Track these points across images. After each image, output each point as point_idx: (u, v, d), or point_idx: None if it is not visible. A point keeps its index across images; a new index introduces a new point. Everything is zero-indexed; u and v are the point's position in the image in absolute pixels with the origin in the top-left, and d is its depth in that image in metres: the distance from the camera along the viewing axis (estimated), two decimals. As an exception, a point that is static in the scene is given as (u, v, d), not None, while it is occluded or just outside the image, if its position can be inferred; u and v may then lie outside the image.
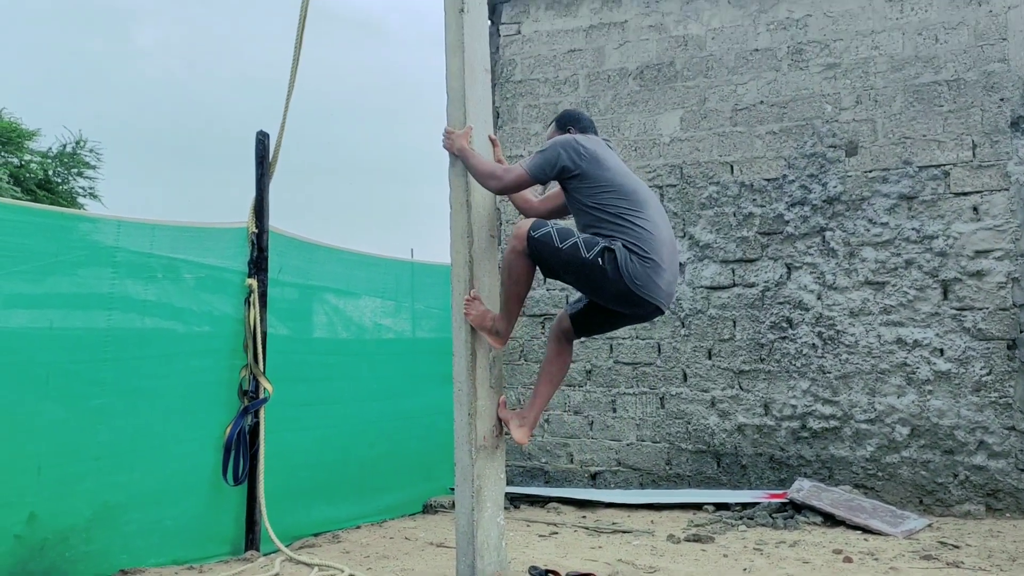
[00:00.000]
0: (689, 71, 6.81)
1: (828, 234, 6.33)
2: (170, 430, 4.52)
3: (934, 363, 6.00)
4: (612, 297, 3.37)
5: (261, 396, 4.77)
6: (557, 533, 5.36)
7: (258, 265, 4.89)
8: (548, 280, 7.01)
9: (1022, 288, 5.84)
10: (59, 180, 11.72)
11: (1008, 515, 5.75)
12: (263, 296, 4.88)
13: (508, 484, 6.03)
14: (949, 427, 5.93)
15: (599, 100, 7.04)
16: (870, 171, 6.25)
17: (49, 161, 11.56)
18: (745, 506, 5.87)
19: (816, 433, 6.26)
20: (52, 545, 3.97)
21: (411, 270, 6.48)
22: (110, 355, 4.26)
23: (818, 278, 6.34)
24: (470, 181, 3.59)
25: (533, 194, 3.95)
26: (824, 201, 6.35)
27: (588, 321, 3.64)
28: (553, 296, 7.12)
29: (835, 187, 6.32)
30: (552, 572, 3.96)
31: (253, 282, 4.84)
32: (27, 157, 11.36)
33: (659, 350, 6.77)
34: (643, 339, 6.81)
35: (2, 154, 11.06)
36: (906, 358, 6.06)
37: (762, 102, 6.58)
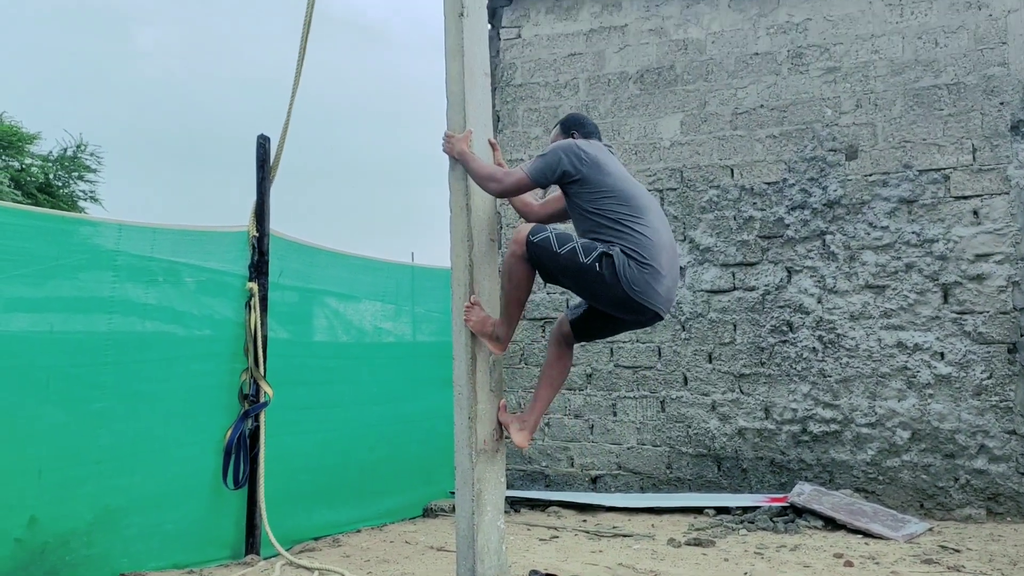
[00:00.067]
0: (689, 75, 6.82)
1: (828, 238, 6.33)
2: (171, 434, 4.52)
3: (935, 367, 5.99)
4: (610, 302, 3.37)
5: (261, 400, 4.77)
6: (557, 537, 5.35)
7: (259, 269, 4.89)
8: (548, 284, 7.01)
9: (1022, 292, 5.84)
10: (60, 184, 11.75)
11: (1009, 519, 5.74)
12: (264, 300, 4.88)
13: (508, 488, 6.03)
14: (950, 431, 5.93)
15: (599, 104, 7.04)
16: (870, 175, 6.26)
17: (50, 165, 11.58)
18: (746, 510, 5.87)
19: (817, 437, 6.26)
20: (52, 549, 3.97)
21: (411, 274, 6.49)
22: (111, 359, 4.26)
23: (818, 282, 6.34)
24: (470, 185, 3.59)
25: (534, 198, 3.95)
26: (824, 205, 6.35)
27: (588, 326, 3.64)
28: (554, 300, 7.12)
29: (835, 191, 6.33)
30: (552, 576, 3.95)
31: (254, 286, 4.84)
32: (28, 161, 11.38)
33: (660, 354, 6.77)
34: (643, 343, 6.81)
35: (3, 158, 11.07)
36: (907, 362, 6.06)
37: (762, 106, 6.59)
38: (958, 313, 5.97)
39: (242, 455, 4.71)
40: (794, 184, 6.45)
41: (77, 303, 4.25)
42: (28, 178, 11.12)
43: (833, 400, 6.24)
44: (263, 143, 4.94)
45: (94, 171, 12.06)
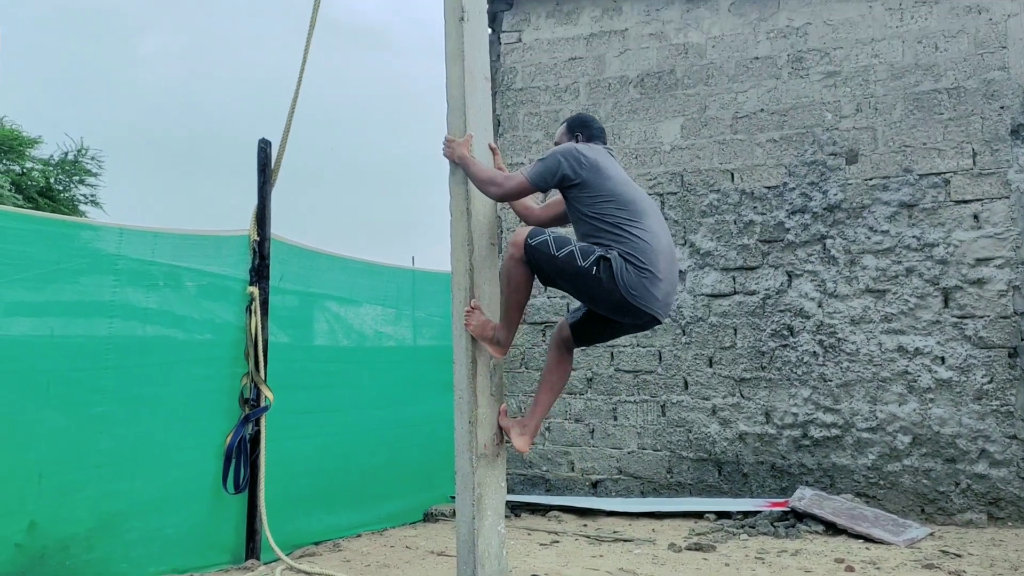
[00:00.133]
0: (690, 79, 6.83)
1: (829, 242, 6.33)
2: (171, 438, 4.52)
3: (935, 371, 5.99)
4: (608, 306, 3.38)
5: (262, 404, 4.76)
6: (558, 542, 5.34)
7: (259, 273, 4.89)
8: (549, 288, 7.01)
9: (1023, 296, 5.84)
10: (61, 188, 11.75)
11: (1010, 524, 5.73)
12: (264, 304, 4.88)
13: (509, 492, 6.01)
14: (951, 435, 5.92)
15: (600, 108, 7.05)
16: (870, 179, 6.26)
17: (51, 169, 11.58)
18: (746, 515, 5.86)
19: (817, 441, 6.25)
20: (52, 553, 3.96)
21: (412, 278, 6.49)
22: (111, 363, 4.26)
23: (819, 286, 6.34)
24: (470, 189, 3.59)
25: (534, 201, 3.95)
26: (825, 209, 6.36)
27: (588, 329, 3.64)
28: (554, 304, 7.12)
29: (836, 195, 6.33)
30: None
31: (254, 290, 4.84)
32: (29, 165, 11.39)
33: (660, 358, 6.76)
34: (644, 347, 6.81)
35: (4, 162, 11.08)
36: (907, 366, 6.06)
37: (762, 110, 6.59)
38: (959, 317, 5.97)
39: (242, 459, 4.71)
40: (794, 188, 6.45)
41: (78, 307, 4.25)
42: (29, 182, 11.12)
43: (834, 404, 6.23)
44: (264, 148, 4.94)
45: (95, 175, 12.06)
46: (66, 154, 11.81)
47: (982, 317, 5.91)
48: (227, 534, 4.78)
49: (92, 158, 11.99)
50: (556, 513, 6.23)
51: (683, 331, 6.70)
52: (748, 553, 4.93)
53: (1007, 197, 5.91)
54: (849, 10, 6.41)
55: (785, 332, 6.41)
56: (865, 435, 6.13)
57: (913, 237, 6.11)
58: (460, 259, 3.62)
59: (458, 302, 3.61)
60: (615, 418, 6.86)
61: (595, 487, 6.88)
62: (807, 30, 6.52)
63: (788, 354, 6.39)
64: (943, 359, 5.98)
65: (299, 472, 5.24)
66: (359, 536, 5.60)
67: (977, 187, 5.99)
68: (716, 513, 5.99)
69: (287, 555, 4.71)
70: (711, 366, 6.61)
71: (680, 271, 6.70)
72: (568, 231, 3.61)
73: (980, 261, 5.94)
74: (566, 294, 6.89)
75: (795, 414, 6.32)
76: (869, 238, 6.22)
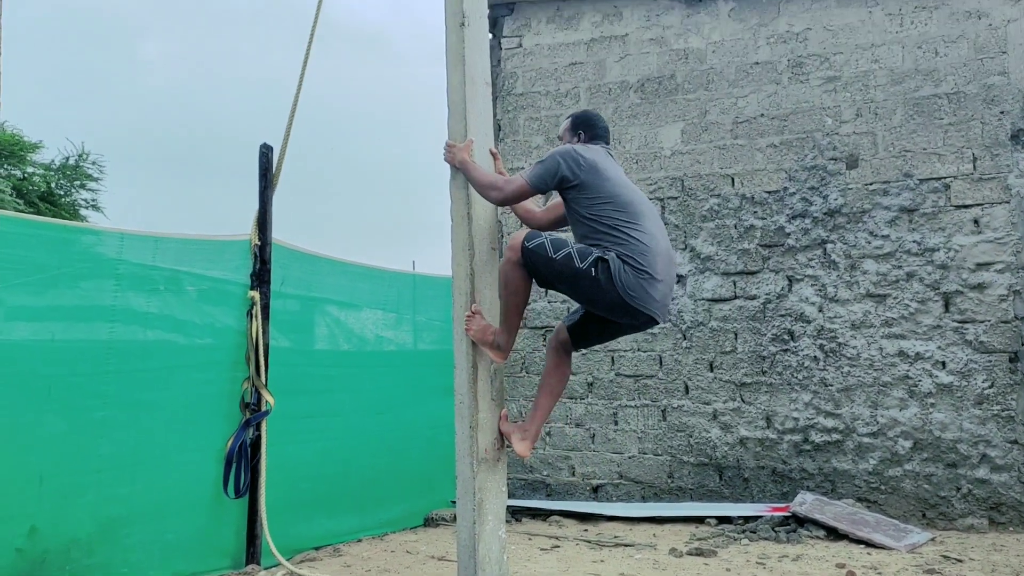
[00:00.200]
0: (690, 84, 6.84)
1: (829, 246, 6.33)
2: (172, 442, 4.52)
3: (936, 376, 5.99)
4: (606, 307, 3.38)
5: (263, 408, 4.77)
6: (559, 547, 5.34)
7: (260, 277, 4.90)
8: (549, 292, 7.02)
9: (1023, 300, 5.85)
10: (62, 192, 11.77)
11: (1011, 529, 5.72)
12: (265, 308, 4.89)
13: (509, 497, 6.00)
14: (952, 440, 5.92)
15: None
16: (871, 184, 6.26)
17: (52, 173, 11.60)
18: (748, 519, 5.85)
19: (818, 446, 6.25)
20: (53, 558, 3.96)
21: (413, 282, 6.49)
22: (112, 367, 4.26)
23: (819, 290, 6.34)
24: (471, 194, 3.60)
25: (536, 205, 3.96)
26: (825, 213, 6.36)
27: (585, 331, 3.64)
28: (555, 308, 7.12)
29: (836, 200, 6.33)
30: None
31: (255, 294, 4.84)
32: (30, 170, 11.41)
33: (661, 362, 6.76)
34: (645, 351, 6.81)
35: (5, 167, 11.10)
36: (908, 371, 6.06)
37: (763, 115, 6.60)
38: (959, 322, 5.97)
39: (243, 464, 4.71)
40: (795, 193, 6.45)
41: (79, 312, 4.26)
42: (30, 187, 11.15)
43: (835, 409, 6.23)
44: (265, 152, 4.95)
45: (96, 180, 12.08)
46: (67, 159, 11.83)
47: (983, 322, 5.91)
48: (227, 539, 4.78)
49: (93, 163, 12.02)
50: (557, 518, 6.23)
51: (684, 335, 6.70)
52: (749, 558, 4.93)
53: (1007, 202, 5.92)
54: (849, 15, 6.42)
55: (786, 337, 6.41)
56: (866, 440, 6.12)
57: (913, 242, 6.11)
58: (461, 263, 3.63)
59: (459, 306, 3.61)
60: (616, 422, 6.85)
61: (596, 492, 6.87)
62: (807, 35, 6.53)
63: (789, 359, 6.38)
64: (944, 364, 5.98)
65: (300, 476, 5.24)
66: (360, 541, 5.59)
67: (977, 192, 5.99)
68: (717, 518, 5.98)
69: (287, 560, 4.71)
70: (712, 371, 6.61)
71: (681, 275, 6.70)
72: (569, 233, 3.61)
73: (981, 266, 5.94)
74: (567, 299, 6.93)
75: (796, 419, 6.32)
76: (869, 243, 6.22)
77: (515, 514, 6.32)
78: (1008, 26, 6.00)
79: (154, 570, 4.37)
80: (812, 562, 4.82)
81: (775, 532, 5.50)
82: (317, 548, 5.24)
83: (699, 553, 5.01)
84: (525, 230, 3.53)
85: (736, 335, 6.56)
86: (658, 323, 3.49)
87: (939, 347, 6.00)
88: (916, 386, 6.03)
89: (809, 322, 6.35)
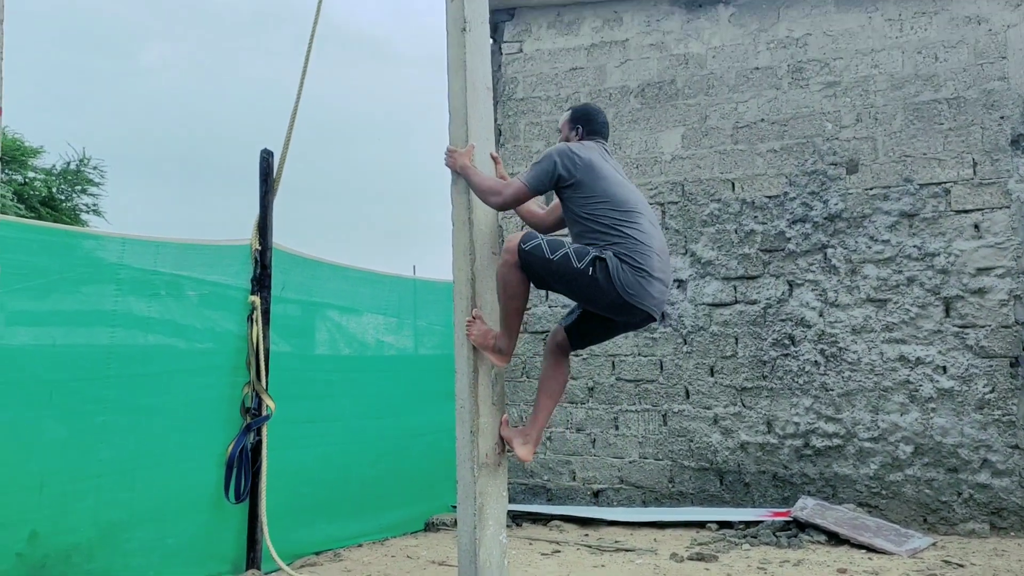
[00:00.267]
0: (690, 89, 6.85)
1: (830, 251, 6.34)
2: (172, 447, 4.52)
3: (937, 381, 5.99)
4: (604, 306, 3.39)
5: (263, 413, 4.76)
6: (559, 551, 5.33)
7: (261, 282, 4.90)
8: (550, 296, 7.02)
9: (1024, 305, 5.84)
10: (63, 197, 11.78)
11: (1013, 534, 5.72)
12: (266, 313, 4.89)
13: (510, 502, 6.00)
14: (953, 445, 5.91)
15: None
16: (871, 188, 6.27)
17: (53, 178, 11.62)
18: (748, 524, 5.85)
19: (819, 451, 6.24)
20: (53, 563, 3.95)
21: (413, 287, 6.49)
22: (113, 372, 4.26)
23: (820, 295, 6.34)
24: (472, 199, 3.60)
25: (537, 206, 3.96)
26: (825, 218, 6.36)
27: (582, 331, 3.64)
28: (555, 313, 7.12)
29: (836, 204, 6.34)
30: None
31: (256, 299, 4.85)
32: (31, 174, 11.42)
33: (661, 367, 6.76)
34: (645, 356, 6.81)
35: (6, 172, 11.11)
36: (909, 376, 6.06)
37: (763, 120, 6.61)
38: (960, 327, 5.97)
39: (244, 469, 4.70)
40: (795, 198, 6.46)
41: (79, 317, 4.26)
42: (31, 192, 11.16)
43: (835, 414, 6.22)
44: (266, 157, 4.96)
45: (97, 184, 12.10)
46: (68, 164, 11.85)
47: (983, 327, 5.91)
48: (228, 544, 4.77)
49: (94, 168, 12.04)
50: (557, 523, 6.22)
51: (684, 340, 6.70)
52: (750, 563, 4.92)
53: (1008, 207, 5.92)
54: (849, 21, 6.44)
55: (786, 341, 6.41)
56: (867, 445, 6.12)
57: (914, 247, 6.11)
58: (462, 268, 3.63)
59: (459, 311, 3.61)
60: (616, 427, 6.85)
61: (596, 496, 6.86)
62: (807, 40, 6.54)
63: (789, 363, 6.38)
64: (944, 368, 5.98)
65: (300, 481, 5.23)
66: (360, 546, 5.59)
67: (977, 197, 6.00)
68: (718, 523, 5.98)
69: (288, 564, 4.71)
70: (712, 375, 6.61)
71: (681, 280, 6.70)
72: (565, 236, 3.62)
73: (981, 271, 5.94)
74: (567, 303, 6.93)
75: (797, 423, 6.32)
76: (870, 247, 6.23)
77: (516, 519, 6.31)
78: (1008, 31, 6.01)
79: (154, 575, 4.36)
80: (813, 567, 4.81)
81: (776, 537, 5.49)
82: (318, 553, 5.24)
83: (700, 558, 5.01)
84: (520, 232, 3.53)
85: (737, 340, 6.56)
86: (655, 320, 3.50)
87: (940, 352, 6.00)
88: (917, 391, 6.03)
89: (810, 327, 6.35)
